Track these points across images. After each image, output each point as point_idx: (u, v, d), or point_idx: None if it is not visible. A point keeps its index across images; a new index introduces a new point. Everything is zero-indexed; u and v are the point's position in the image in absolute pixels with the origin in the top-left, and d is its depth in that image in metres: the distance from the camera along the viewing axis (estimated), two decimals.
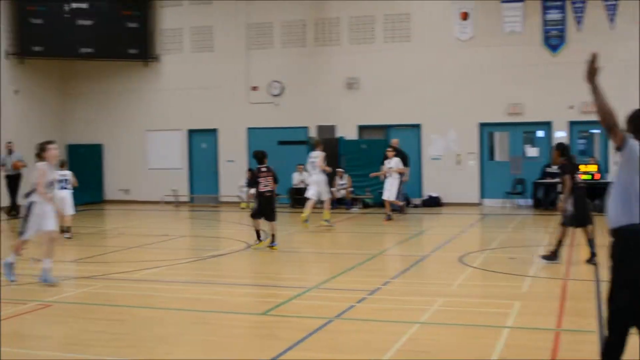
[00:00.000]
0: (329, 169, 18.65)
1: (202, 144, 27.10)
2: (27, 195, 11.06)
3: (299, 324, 8.26)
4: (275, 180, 14.82)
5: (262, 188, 14.59)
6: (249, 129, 26.22)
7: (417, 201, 24.04)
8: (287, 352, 7.17)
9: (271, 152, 25.41)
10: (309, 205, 17.90)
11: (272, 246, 14.36)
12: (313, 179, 18.39)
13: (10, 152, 22.50)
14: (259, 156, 15.10)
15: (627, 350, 5.80)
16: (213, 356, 7.13)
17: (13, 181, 22.41)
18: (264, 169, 14.76)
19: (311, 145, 20.12)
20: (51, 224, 10.85)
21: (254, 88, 26.09)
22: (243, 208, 24.51)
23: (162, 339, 7.87)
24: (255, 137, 26.17)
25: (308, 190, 18.59)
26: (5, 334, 8.05)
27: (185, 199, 26.93)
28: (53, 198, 11.25)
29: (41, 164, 10.95)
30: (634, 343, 6.77)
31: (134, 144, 27.31)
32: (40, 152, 11.03)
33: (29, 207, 10.83)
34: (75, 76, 28.29)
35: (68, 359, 7.04)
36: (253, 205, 15.46)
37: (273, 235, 14.46)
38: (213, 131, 26.80)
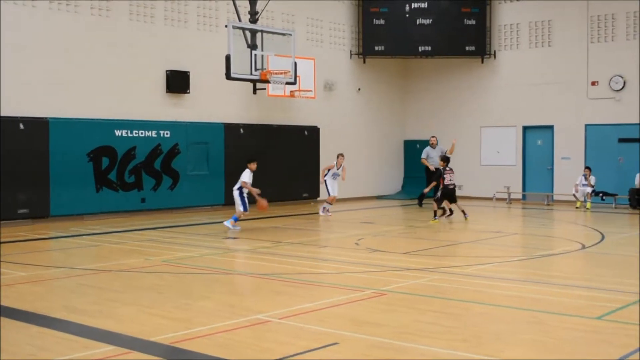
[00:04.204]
0: None
1: (537, 140, 26.60)
2: (239, 188, 17.48)
3: (637, 332, 7.80)
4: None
5: (447, 182, 19.40)
6: (587, 125, 25.24)
7: None
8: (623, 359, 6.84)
9: (610, 150, 24.56)
10: None
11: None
12: None
13: (433, 146, 23.77)
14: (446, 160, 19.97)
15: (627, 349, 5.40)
16: (546, 358, 6.98)
17: (434, 175, 23.39)
18: (448, 169, 19.53)
19: None
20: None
21: (594, 83, 25.06)
22: (577, 207, 23.68)
23: (496, 335, 7.86)
24: (594, 133, 25.17)
25: None
26: (345, 317, 8.59)
27: (518, 196, 26.65)
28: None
29: (247, 170, 17.50)
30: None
31: (468, 139, 27.56)
32: (247, 163, 17.59)
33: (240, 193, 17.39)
34: (413, 73, 29.25)
35: (401, 347, 7.30)
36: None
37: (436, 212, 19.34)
38: (549, 128, 26.19)
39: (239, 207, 17.42)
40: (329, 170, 21.13)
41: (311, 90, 23.63)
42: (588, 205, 23.54)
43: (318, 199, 25.77)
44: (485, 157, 27.57)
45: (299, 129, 25.13)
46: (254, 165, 17.62)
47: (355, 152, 27.16)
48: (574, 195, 24.16)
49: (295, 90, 22.68)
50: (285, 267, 12.21)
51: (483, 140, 27.54)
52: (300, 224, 19.52)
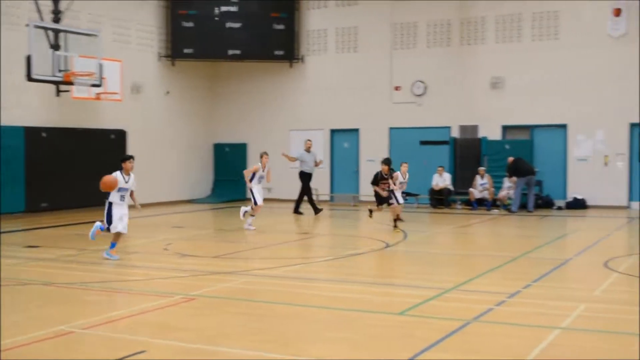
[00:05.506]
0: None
1: (344, 143, 27.35)
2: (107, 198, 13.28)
3: (436, 325, 8.21)
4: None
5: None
6: (391, 128, 26.28)
7: (561, 203, 23.49)
8: (423, 352, 7.14)
9: (413, 152, 25.69)
10: None
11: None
12: None
13: (309, 150, 22.98)
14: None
15: (627, 351, 5.35)
16: (351, 354, 7.19)
17: (309, 178, 22.81)
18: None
19: None
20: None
21: (397, 88, 26.15)
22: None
23: (302, 335, 8.01)
24: (397, 137, 26.23)
25: None
26: (153, 324, 8.45)
27: (326, 197, 27.26)
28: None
29: (116, 173, 13.26)
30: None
31: (277, 143, 27.84)
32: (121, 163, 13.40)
33: (109, 207, 13.18)
34: (222, 77, 29.23)
35: (210, 350, 7.28)
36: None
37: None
38: (355, 131, 27.01)
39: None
40: (254, 174, 18.24)
41: (117, 93, 23.01)
42: None
43: None
44: None
45: (105, 132, 24.41)
46: (128, 165, 13.38)
47: (165, 156, 26.81)
48: None
49: (101, 93, 22.01)
50: (91, 275, 11.83)
51: (292, 143, 27.91)
52: None
